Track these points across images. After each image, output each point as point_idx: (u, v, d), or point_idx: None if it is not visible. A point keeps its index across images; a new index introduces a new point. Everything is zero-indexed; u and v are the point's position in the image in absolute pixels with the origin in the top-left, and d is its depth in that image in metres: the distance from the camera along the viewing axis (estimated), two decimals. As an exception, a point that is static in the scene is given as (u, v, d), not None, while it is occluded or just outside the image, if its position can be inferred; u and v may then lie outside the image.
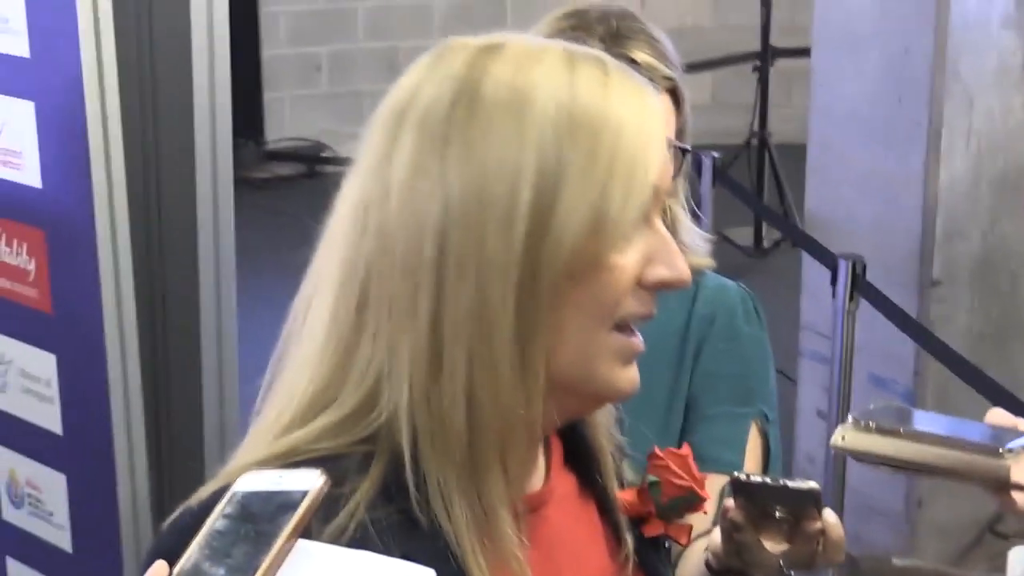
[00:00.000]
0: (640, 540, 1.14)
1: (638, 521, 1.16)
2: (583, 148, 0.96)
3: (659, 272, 1.01)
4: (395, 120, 0.99)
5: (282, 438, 0.98)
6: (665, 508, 1.15)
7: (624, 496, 1.15)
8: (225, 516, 0.84)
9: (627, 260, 0.98)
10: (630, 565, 1.12)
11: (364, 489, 0.95)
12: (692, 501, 1.16)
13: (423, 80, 0.99)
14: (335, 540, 0.91)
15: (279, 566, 0.81)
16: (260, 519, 0.83)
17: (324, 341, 0.99)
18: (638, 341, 1.02)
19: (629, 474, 1.17)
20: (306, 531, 0.87)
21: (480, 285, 0.94)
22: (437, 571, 0.87)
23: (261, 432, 1.00)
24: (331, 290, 0.99)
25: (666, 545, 1.19)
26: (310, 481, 0.85)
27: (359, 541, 0.91)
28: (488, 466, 0.96)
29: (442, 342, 0.95)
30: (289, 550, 0.82)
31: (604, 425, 1.12)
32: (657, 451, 1.17)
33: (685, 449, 1.17)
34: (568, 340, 0.97)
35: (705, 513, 1.21)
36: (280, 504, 0.84)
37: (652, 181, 0.98)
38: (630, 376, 1.02)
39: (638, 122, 0.98)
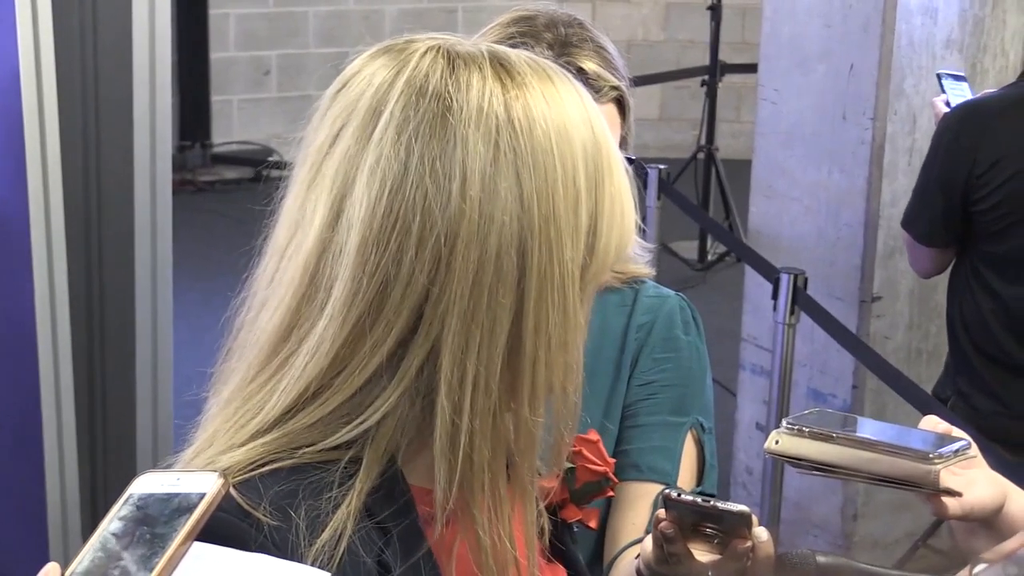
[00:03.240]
0: (555, 525, 1.15)
1: (555, 507, 1.17)
2: (605, 163, 0.99)
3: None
4: (437, 130, 0.95)
5: (260, 439, 0.95)
6: (577, 492, 1.16)
7: (542, 483, 1.15)
8: (120, 518, 0.82)
9: None
10: (545, 538, 1.12)
11: (351, 502, 0.93)
12: (604, 485, 1.18)
13: (452, 94, 0.96)
14: (327, 557, 0.89)
15: (174, 569, 0.79)
16: (156, 521, 0.81)
17: (326, 344, 0.96)
18: None
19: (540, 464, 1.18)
20: (243, 542, 0.85)
21: (564, 296, 0.96)
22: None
23: (232, 427, 0.97)
24: (339, 297, 0.96)
25: (575, 529, 1.20)
26: (208, 484, 0.83)
27: (350, 562, 0.90)
28: (532, 467, 1.00)
29: (522, 351, 0.96)
30: (184, 553, 0.80)
31: None
32: None
33: (593, 435, 1.19)
34: None
35: (612, 496, 1.24)
36: (177, 507, 0.82)
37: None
38: None
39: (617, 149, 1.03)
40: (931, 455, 1.13)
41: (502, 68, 0.98)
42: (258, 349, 0.99)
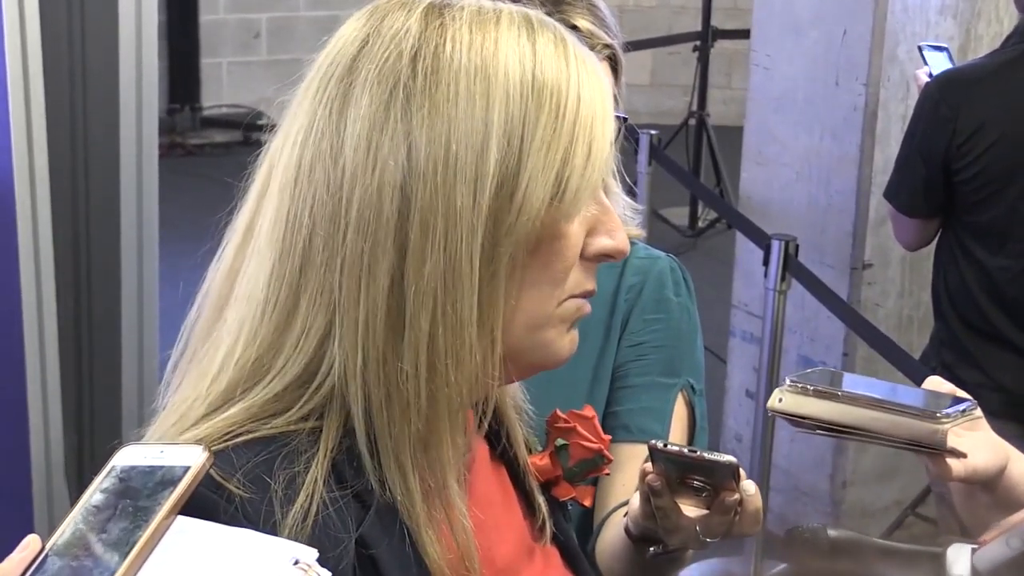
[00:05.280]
0: (549, 503, 1.13)
1: (547, 485, 1.14)
2: (548, 112, 0.94)
3: (601, 243, 0.99)
4: (343, 76, 0.95)
5: (221, 413, 0.93)
6: (571, 470, 1.14)
7: (534, 460, 1.13)
8: (103, 491, 0.80)
9: (575, 230, 0.97)
10: (548, 530, 1.11)
11: (319, 464, 0.92)
12: (598, 463, 1.15)
13: (370, 36, 0.95)
14: (300, 525, 0.88)
15: (157, 542, 0.78)
16: (139, 494, 0.80)
17: (263, 304, 0.95)
18: (587, 305, 1.01)
19: (533, 440, 1.15)
20: (248, 515, 0.84)
21: (447, 245, 0.91)
22: (391, 547, 0.87)
23: (191, 400, 0.95)
24: (269, 251, 0.95)
25: (568, 507, 1.18)
26: (192, 456, 0.81)
27: (323, 526, 0.89)
28: (441, 436, 0.94)
29: (404, 304, 0.92)
30: (168, 527, 0.79)
31: (511, 393, 1.10)
32: (559, 414, 1.16)
33: (589, 411, 1.16)
34: (521, 308, 0.95)
35: (608, 474, 1.20)
36: (161, 479, 0.80)
37: (608, 149, 0.97)
38: (573, 338, 1.01)
39: (596, 90, 0.97)
40: (938, 415, 1.10)
41: (434, 10, 0.96)
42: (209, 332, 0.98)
